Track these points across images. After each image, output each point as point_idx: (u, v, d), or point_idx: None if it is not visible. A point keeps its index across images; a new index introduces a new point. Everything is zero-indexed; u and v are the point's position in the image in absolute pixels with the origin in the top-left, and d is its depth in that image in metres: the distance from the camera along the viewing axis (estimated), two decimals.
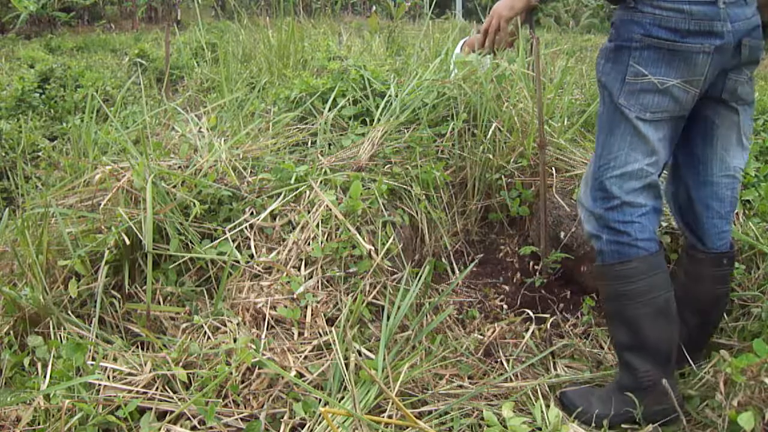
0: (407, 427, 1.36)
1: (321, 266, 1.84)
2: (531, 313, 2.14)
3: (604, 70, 1.56)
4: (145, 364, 1.51)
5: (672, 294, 1.58)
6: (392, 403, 1.45)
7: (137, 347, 1.65)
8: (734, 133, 1.60)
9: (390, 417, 1.41)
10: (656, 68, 1.46)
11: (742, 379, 1.37)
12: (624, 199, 1.55)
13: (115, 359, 1.54)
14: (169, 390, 1.46)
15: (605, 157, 1.56)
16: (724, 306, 1.78)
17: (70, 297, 1.72)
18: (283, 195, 2.03)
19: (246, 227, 1.92)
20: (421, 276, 1.84)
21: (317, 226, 1.90)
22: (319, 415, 1.41)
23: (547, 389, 1.76)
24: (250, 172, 2.16)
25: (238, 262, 1.82)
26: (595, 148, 1.61)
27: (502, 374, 1.80)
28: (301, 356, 1.61)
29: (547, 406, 1.52)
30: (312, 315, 1.72)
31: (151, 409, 1.40)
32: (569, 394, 1.69)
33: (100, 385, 1.44)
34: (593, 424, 1.59)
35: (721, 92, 1.53)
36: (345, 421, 1.36)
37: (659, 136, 1.53)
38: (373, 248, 1.87)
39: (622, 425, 1.59)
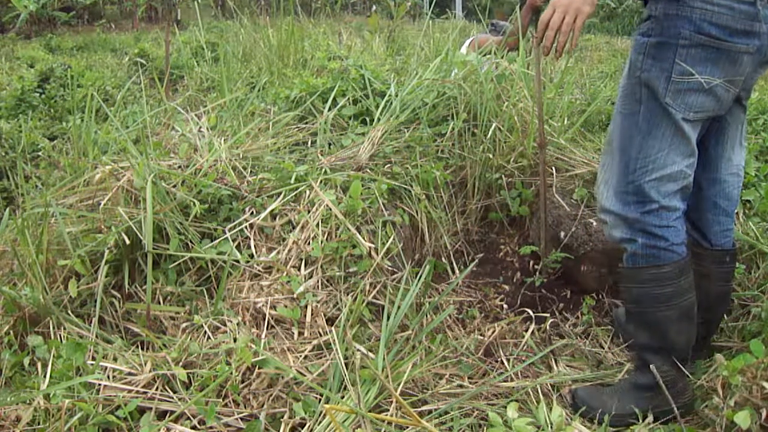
0: (407, 426, 1.36)
1: (321, 266, 1.84)
2: (531, 313, 2.14)
3: (645, 67, 1.47)
4: (145, 364, 1.51)
5: (695, 297, 1.57)
6: (392, 403, 1.45)
7: (137, 347, 1.65)
8: (739, 131, 1.62)
9: (391, 416, 1.41)
10: (703, 67, 1.42)
11: (738, 381, 1.38)
12: (662, 203, 1.51)
13: (115, 359, 1.54)
14: (169, 390, 1.46)
15: (642, 160, 1.50)
16: (726, 304, 1.78)
17: (70, 297, 1.71)
18: (283, 195, 2.03)
19: (246, 227, 1.92)
20: (421, 276, 1.84)
21: (317, 225, 1.90)
22: (319, 415, 1.42)
23: (549, 388, 1.76)
24: (250, 171, 2.16)
25: (238, 261, 1.82)
26: (623, 149, 1.53)
27: (502, 373, 1.80)
28: (301, 356, 1.61)
29: (548, 405, 1.53)
30: (312, 315, 1.72)
31: (151, 409, 1.40)
32: (580, 393, 1.68)
33: (100, 384, 1.44)
34: (596, 422, 1.59)
35: (740, 91, 1.53)
36: (345, 420, 1.36)
37: (696, 137, 1.51)
38: (373, 247, 1.87)
39: (618, 425, 1.60)
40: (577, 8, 1.45)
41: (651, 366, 1.55)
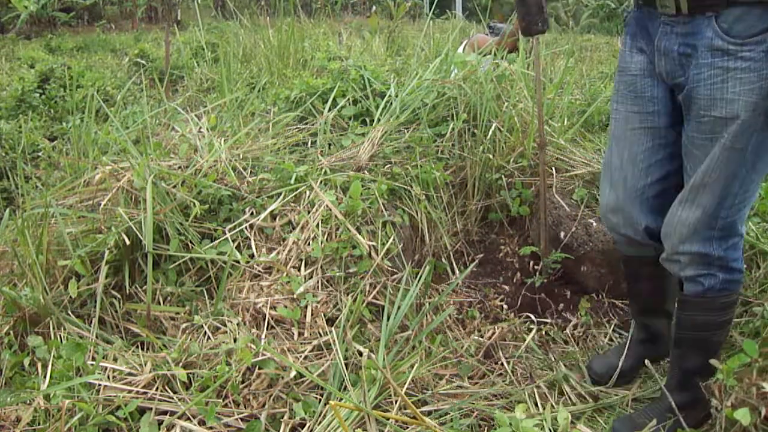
0: (410, 426, 1.36)
1: (321, 266, 1.84)
2: (533, 317, 2.14)
3: None
4: (145, 364, 1.51)
5: None
6: (392, 404, 1.45)
7: (137, 347, 1.65)
8: None
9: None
10: None
11: (734, 383, 1.38)
12: (742, 233, 1.48)
13: (115, 359, 1.54)
14: (169, 390, 1.46)
15: (742, 194, 1.41)
16: None
17: (70, 297, 1.71)
18: (283, 195, 2.03)
19: (246, 227, 1.92)
20: (421, 276, 1.84)
21: (317, 226, 1.90)
22: (320, 415, 1.42)
23: (550, 389, 1.76)
24: (250, 172, 2.16)
25: (238, 262, 1.82)
26: (725, 186, 1.40)
27: (501, 374, 1.80)
28: (301, 356, 1.61)
29: (549, 406, 1.52)
30: (312, 315, 1.72)
31: (151, 409, 1.40)
32: (617, 426, 1.60)
33: (100, 385, 1.44)
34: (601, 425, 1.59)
35: None
36: (347, 419, 1.36)
37: None
38: (373, 248, 1.87)
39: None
40: None
41: (700, 384, 1.53)
